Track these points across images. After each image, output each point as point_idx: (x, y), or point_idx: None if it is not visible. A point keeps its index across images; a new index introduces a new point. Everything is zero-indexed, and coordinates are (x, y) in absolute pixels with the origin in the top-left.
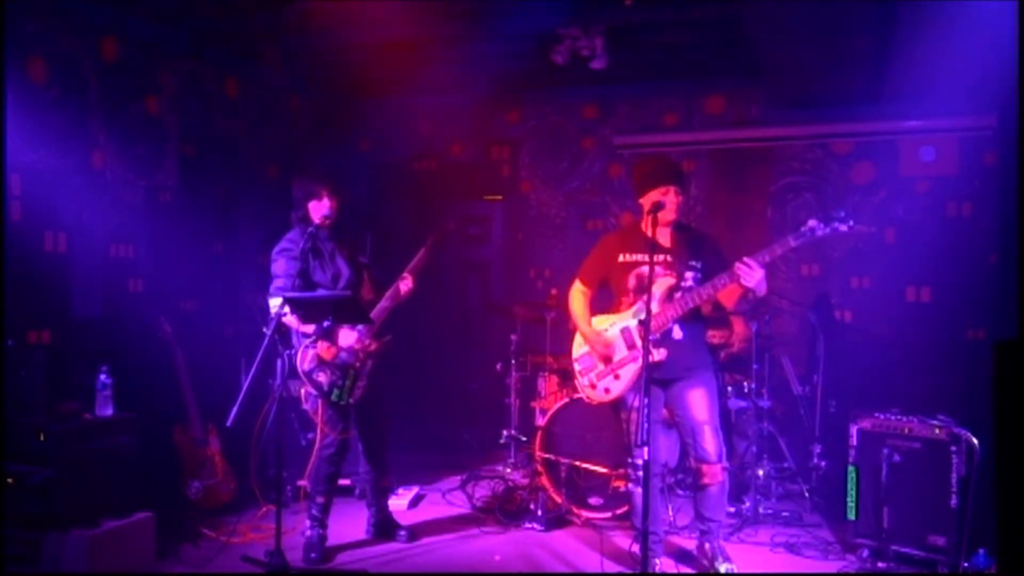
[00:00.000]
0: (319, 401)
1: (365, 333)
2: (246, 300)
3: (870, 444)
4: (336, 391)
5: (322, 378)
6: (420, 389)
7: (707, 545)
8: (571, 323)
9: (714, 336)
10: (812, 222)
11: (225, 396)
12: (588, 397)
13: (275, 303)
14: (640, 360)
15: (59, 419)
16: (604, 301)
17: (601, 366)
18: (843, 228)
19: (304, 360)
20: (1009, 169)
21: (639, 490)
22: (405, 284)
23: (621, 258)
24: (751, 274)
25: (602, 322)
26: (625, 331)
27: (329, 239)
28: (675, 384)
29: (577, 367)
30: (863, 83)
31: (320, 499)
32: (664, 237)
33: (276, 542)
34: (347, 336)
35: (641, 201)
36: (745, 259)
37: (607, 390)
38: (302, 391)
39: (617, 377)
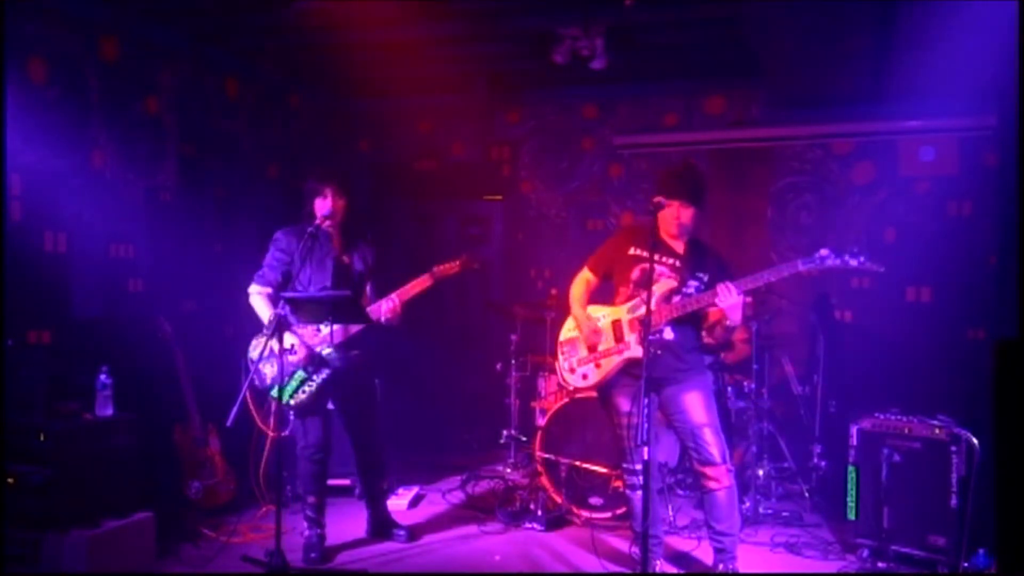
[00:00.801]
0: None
1: (325, 338)
2: (246, 300)
3: (870, 444)
4: (278, 388)
5: (267, 370)
6: (420, 389)
7: (721, 566)
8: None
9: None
10: (824, 251)
11: (225, 396)
12: (563, 380)
13: (252, 289)
14: (624, 354)
15: (59, 419)
16: (604, 296)
17: (584, 352)
18: (853, 263)
19: (254, 348)
20: (1009, 169)
21: (637, 495)
22: (388, 303)
23: (631, 251)
24: (727, 297)
25: (595, 311)
26: (616, 323)
27: (329, 240)
28: (667, 387)
29: (561, 349)
30: (863, 83)
31: (311, 499)
32: (678, 245)
33: (276, 542)
34: (298, 335)
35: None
36: (728, 282)
37: (584, 376)
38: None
39: (598, 366)
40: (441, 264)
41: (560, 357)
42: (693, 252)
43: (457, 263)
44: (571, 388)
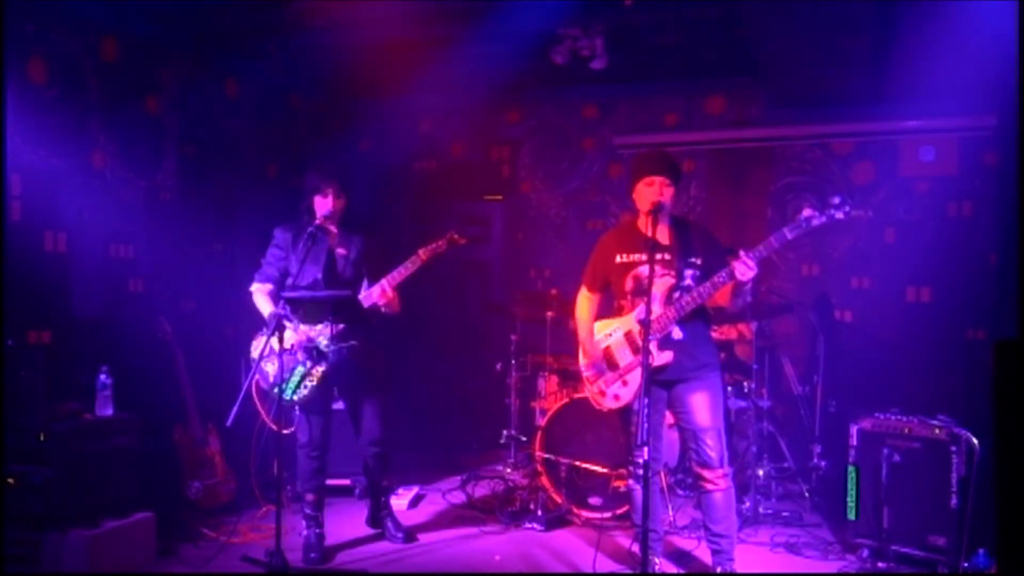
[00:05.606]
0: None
1: (322, 331)
2: (246, 300)
3: (870, 444)
4: (281, 386)
5: (270, 369)
6: (420, 389)
7: (719, 568)
8: (573, 324)
9: (716, 331)
10: (807, 211)
11: (225, 396)
12: (599, 404)
13: (254, 287)
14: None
15: (59, 419)
16: (611, 303)
17: (608, 372)
18: (840, 215)
19: (255, 348)
20: (1009, 169)
21: (639, 487)
22: (379, 290)
23: (618, 259)
24: (748, 271)
25: (605, 327)
26: (629, 335)
27: (325, 235)
28: (678, 386)
29: (585, 374)
30: (863, 83)
31: (310, 496)
32: (662, 234)
33: (276, 542)
34: (296, 329)
35: (633, 196)
36: (743, 256)
37: (616, 397)
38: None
39: (625, 383)
40: (428, 244)
41: (587, 384)
42: (679, 236)
43: (443, 240)
44: (606, 409)
